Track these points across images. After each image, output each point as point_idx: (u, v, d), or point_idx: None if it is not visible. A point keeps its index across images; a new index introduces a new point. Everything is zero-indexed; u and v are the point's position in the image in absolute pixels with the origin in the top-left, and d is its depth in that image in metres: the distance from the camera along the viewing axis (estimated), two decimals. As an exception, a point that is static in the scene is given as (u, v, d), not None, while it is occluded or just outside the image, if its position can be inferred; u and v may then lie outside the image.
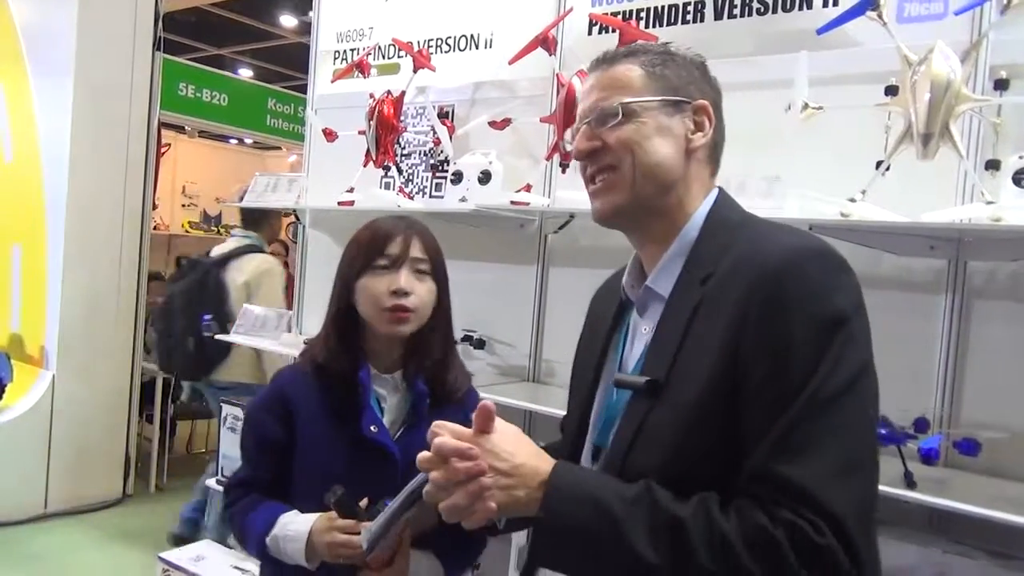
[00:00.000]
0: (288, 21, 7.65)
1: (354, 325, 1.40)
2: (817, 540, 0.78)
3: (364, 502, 1.30)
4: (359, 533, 1.24)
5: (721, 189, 1.05)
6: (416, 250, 1.39)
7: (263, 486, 1.43)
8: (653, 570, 0.82)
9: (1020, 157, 1.55)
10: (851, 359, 0.84)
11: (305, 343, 1.52)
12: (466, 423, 1.37)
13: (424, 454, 0.92)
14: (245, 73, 9.07)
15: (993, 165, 1.64)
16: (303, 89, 3.22)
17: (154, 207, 4.97)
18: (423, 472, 0.93)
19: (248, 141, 8.09)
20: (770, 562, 0.79)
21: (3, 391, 4.04)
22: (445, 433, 0.91)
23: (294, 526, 1.33)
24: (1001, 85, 1.63)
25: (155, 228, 5.25)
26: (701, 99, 1.02)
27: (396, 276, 1.36)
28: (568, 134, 1.12)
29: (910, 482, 1.49)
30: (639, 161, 0.98)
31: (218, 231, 8.08)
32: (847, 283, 0.88)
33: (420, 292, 1.38)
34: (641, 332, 1.03)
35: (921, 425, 1.58)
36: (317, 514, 1.31)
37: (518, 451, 0.91)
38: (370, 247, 1.38)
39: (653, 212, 1.01)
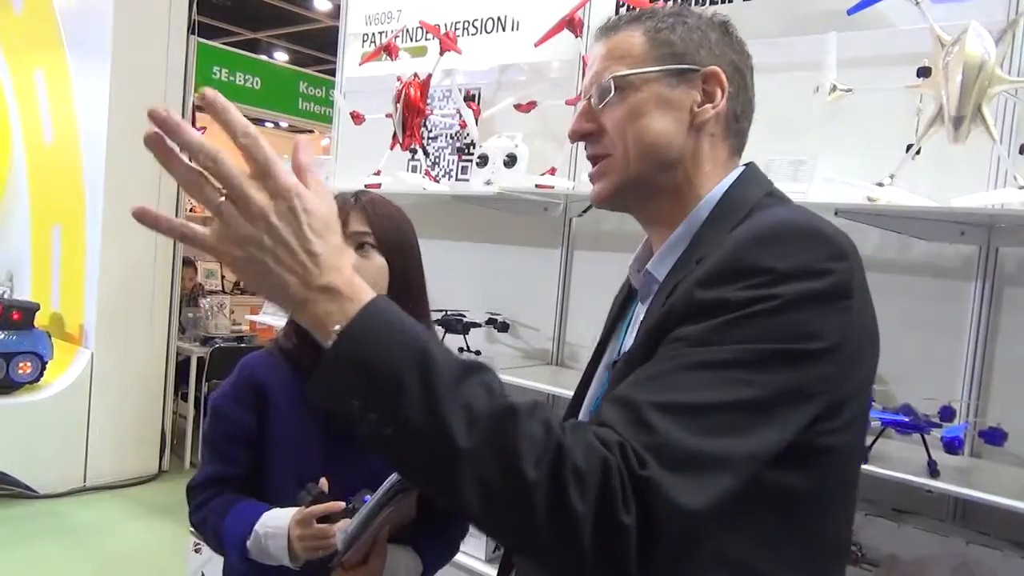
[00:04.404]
0: (322, 5, 7.69)
1: None
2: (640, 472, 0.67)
3: (324, 483, 1.24)
4: (335, 521, 1.18)
5: (750, 166, 0.94)
6: (356, 224, 1.29)
7: (235, 483, 1.32)
8: (456, 454, 0.66)
9: (1055, 141, 1.51)
10: (751, 338, 0.74)
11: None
12: None
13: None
14: (280, 57, 9.14)
15: (1028, 148, 1.60)
16: (335, 72, 3.24)
17: (189, 189, 5.04)
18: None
19: (283, 124, 8.17)
20: (595, 491, 0.66)
21: (44, 368, 4.16)
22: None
23: (274, 521, 1.23)
24: (1038, 66, 1.59)
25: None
26: (713, 65, 0.90)
27: None
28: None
29: (933, 471, 1.47)
30: (633, 142, 0.90)
31: (252, 213, 8.18)
32: (810, 267, 0.77)
33: (363, 269, 1.26)
34: (639, 319, 0.96)
35: (946, 413, 1.55)
36: (296, 508, 1.22)
37: (323, 232, 0.70)
38: None
39: (654, 193, 0.93)
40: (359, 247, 1.30)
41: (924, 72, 1.61)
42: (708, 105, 0.90)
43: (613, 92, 0.91)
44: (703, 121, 0.90)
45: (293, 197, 0.67)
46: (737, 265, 0.78)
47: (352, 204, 1.32)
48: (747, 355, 0.74)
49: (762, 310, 0.74)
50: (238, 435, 1.31)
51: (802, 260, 0.77)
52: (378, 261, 1.31)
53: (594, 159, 0.95)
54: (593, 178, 0.96)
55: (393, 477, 1.14)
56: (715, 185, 0.92)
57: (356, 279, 0.71)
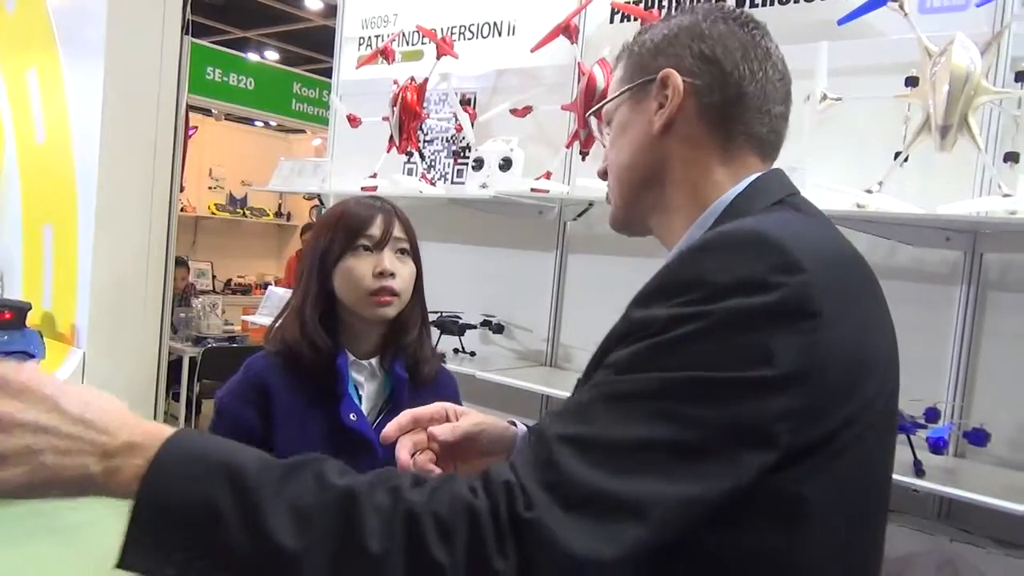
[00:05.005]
0: (313, 4, 7.69)
1: (330, 311, 1.36)
2: (525, 514, 0.60)
3: None
4: None
5: (770, 171, 0.84)
6: (398, 230, 1.36)
7: None
8: (289, 560, 0.59)
9: (1039, 150, 1.55)
10: (681, 364, 0.65)
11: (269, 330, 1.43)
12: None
13: None
14: (271, 56, 9.14)
15: (1012, 157, 1.64)
16: (328, 72, 3.26)
17: (181, 189, 5.05)
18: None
19: (273, 124, 8.18)
20: (464, 539, 0.59)
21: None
22: None
23: None
24: (1022, 77, 1.63)
25: (182, 210, 5.35)
26: (667, 67, 0.83)
27: (380, 257, 1.33)
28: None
29: (919, 471, 1.51)
30: (612, 170, 0.89)
31: (243, 213, 8.19)
32: (752, 280, 0.66)
33: (403, 274, 1.35)
34: None
35: (931, 415, 1.60)
36: None
37: (95, 402, 0.65)
38: (350, 228, 1.34)
39: (651, 213, 0.88)
40: (398, 251, 1.36)
41: (912, 82, 1.65)
42: (660, 110, 0.83)
43: (605, 126, 0.91)
44: (662, 128, 0.83)
45: (28, 387, 0.62)
46: (670, 279, 0.70)
47: (391, 211, 1.38)
48: (673, 384, 0.64)
49: (694, 331, 0.65)
50: (243, 433, 1.31)
51: (742, 272, 0.66)
52: (411, 267, 1.38)
53: None
54: None
55: None
56: (722, 192, 0.82)
57: (150, 425, 0.65)
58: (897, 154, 1.66)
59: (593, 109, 0.91)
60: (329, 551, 0.59)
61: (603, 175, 0.94)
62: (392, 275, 1.33)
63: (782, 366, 0.64)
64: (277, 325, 1.41)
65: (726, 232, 0.72)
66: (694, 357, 0.64)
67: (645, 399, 0.64)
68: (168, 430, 0.65)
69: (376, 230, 1.34)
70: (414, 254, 1.40)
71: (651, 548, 0.61)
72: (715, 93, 0.82)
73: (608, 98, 0.89)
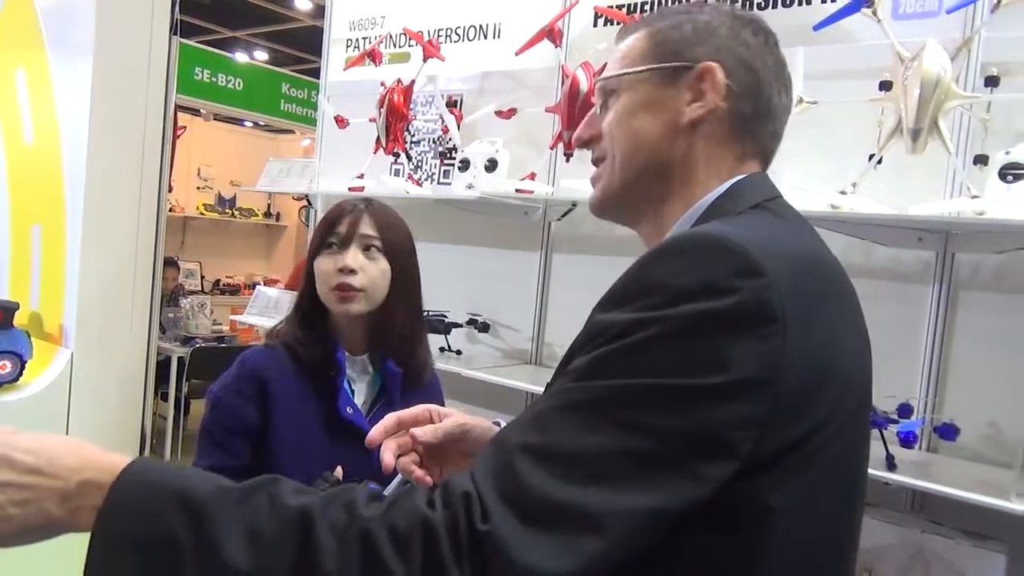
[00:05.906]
0: (303, 4, 7.71)
1: (321, 307, 1.40)
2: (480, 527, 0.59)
3: (340, 471, 1.29)
4: None
5: (754, 174, 0.83)
6: (366, 227, 1.38)
7: (234, 474, 1.34)
8: None
9: (1006, 153, 1.59)
10: (637, 370, 0.64)
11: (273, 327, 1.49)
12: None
13: None
14: (260, 56, 9.14)
15: (981, 160, 1.68)
16: (317, 72, 3.28)
17: (170, 189, 5.06)
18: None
19: (262, 124, 8.19)
20: (419, 553, 0.59)
21: (23, 367, 4.16)
22: None
23: None
24: (992, 82, 1.67)
25: (170, 210, 5.36)
26: (710, 61, 0.80)
27: (343, 254, 1.36)
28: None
29: (891, 464, 1.56)
30: (618, 145, 0.84)
31: (232, 213, 8.19)
32: (710, 284, 0.65)
33: (370, 270, 1.37)
34: None
35: (904, 411, 1.64)
36: None
37: (47, 448, 0.67)
38: (323, 228, 1.39)
39: (645, 201, 0.85)
40: (366, 249, 1.38)
41: (886, 86, 1.70)
42: (696, 104, 0.81)
43: (608, 95, 0.86)
44: (692, 121, 0.81)
45: None
46: (630, 284, 0.70)
47: (362, 209, 1.40)
48: (631, 391, 0.63)
49: (651, 336, 0.64)
50: (239, 427, 1.34)
51: (700, 276, 0.65)
52: (383, 265, 1.40)
53: (595, 163, 0.90)
54: (592, 183, 0.90)
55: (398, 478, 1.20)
56: (708, 192, 0.82)
57: (108, 459, 0.67)
58: (871, 156, 1.70)
59: (614, 74, 0.85)
60: (285, 572, 0.60)
61: (583, 143, 0.90)
62: (352, 271, 1.35)
63: (739, 372, 0.63)
64: (279, 327, 1.46)
65: (688, 235, 0.71)
66: (651, 363, 0.64)
67: (603, 407, 0.64)
68: (118, 465, 0.66)
69: (343, 228, 1.38)
70: (391, 251, 1.41)
71: (611, 560, 0.60)
72: (749, 102, 0.82)
73: (632, 69, 0.84)
